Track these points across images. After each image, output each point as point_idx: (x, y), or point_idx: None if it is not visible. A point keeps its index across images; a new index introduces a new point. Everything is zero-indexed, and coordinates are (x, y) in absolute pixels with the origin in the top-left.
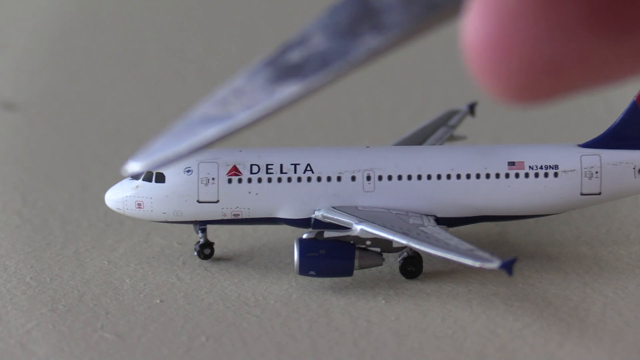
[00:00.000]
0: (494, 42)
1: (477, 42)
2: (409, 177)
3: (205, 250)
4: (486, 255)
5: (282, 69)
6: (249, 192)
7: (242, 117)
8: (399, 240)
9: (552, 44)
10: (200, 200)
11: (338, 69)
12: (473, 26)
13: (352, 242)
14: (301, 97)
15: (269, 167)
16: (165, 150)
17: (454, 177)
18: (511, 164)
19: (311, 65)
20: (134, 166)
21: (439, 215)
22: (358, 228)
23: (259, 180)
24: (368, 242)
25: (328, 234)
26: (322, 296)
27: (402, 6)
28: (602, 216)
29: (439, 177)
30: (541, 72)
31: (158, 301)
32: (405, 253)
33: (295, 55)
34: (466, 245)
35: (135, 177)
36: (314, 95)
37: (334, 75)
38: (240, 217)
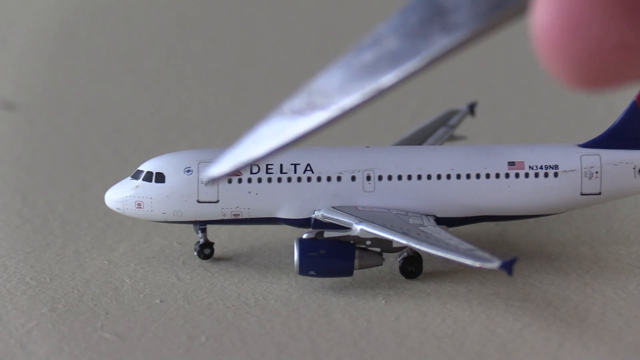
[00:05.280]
0: (563, 25)
1: (546, 26)
2: (409, 177)
3: (205, 250)
4: (486, 255)
5: (356, 70)
6: (249, 192)
7: (315, 117)
8: (399, 240)
9: (619, 25)
10: (200, 200)
11: (408, 68)
12: (542, 11)
13: (352, 242)
14: (374, 96)
15: (269, 167)
16: (251, 151)
17: (454, 177)
18: (511, 164)
19: (383, 65)
20: (217, 169)
21: (439, 215)
22: (358, 228)
23: (259, 180)
24: (368, 242)
25: (328, 234)
26: (322, 296)
27: (470, 6)
28: (602, 216)
29: (439, 177)
30: (610, 53)
31: (158, 301)
32: (405, 253)
33: (367, 56)
34: (466, 245)
35: (135, 176)
36: (386, 94)
37: (404, 74)
38: (240, 217)
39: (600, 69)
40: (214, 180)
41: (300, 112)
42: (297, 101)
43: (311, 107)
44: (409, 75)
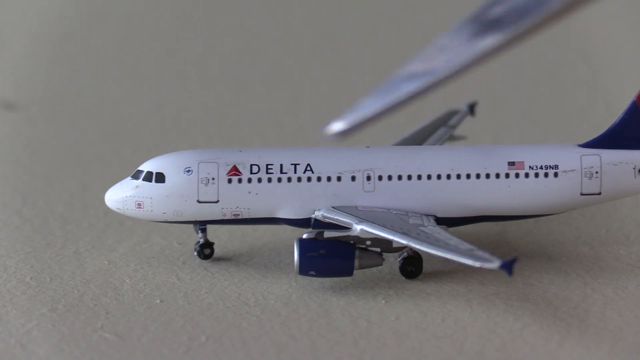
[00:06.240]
0: None
1: None
2: (409, 177)
3: (205, 250)
4: (486, 255)
5: (484, 24)
6: (249, 192)
7: (442, 70)
8: (399, 240)
9: None
10: (200, 200)
11: (534, 19)
12: None
13: (352, 242)
14: (499, 48)
15: (269, 167)
16: (368, 108)
17: (454, 177)
18: (511, 164)
19: (510, 18)
20: (338, 125)
21: (439, 215)
22: (358, 228)
23: (259, 180)
24: (368, 242)
25: (328, 234)
26: (322, 296)
27: None
28: (602, 216)
29: (439, 177)
30: None
31: (158, 301)
32: (405, 253)
33: (496, 11)
34: (466, 245)
35: (136, 176)
36: (511, 48)
37: (530, 26)
38: (240, 217)
39: None
40: (338, 135)
41: (416, 73)
42: (416, 63)
43: (434, 62)
44: (532, 27)
